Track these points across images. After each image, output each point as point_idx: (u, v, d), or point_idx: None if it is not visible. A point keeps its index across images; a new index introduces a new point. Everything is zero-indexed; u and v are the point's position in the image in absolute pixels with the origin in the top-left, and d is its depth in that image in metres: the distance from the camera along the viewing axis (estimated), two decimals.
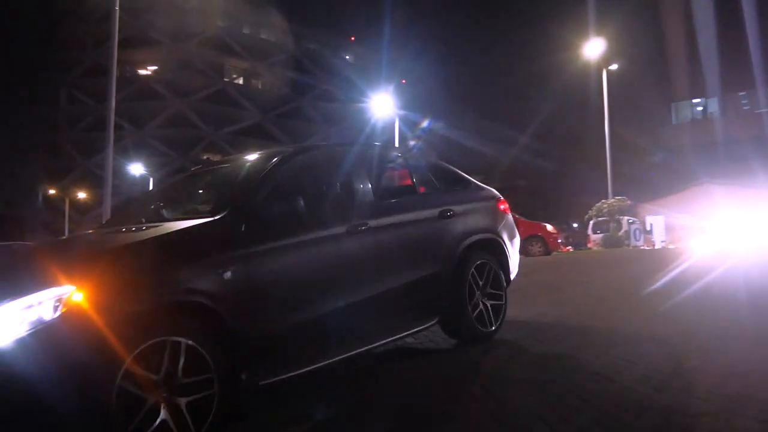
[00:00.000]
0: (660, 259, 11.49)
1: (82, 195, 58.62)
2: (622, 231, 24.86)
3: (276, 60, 68.61)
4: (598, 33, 32.16)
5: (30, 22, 58.01)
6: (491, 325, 5.06)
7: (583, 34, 32.58)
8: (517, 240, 5.83)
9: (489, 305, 5.08)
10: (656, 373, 3.73)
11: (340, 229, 4.10)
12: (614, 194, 28.27)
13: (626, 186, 31.49)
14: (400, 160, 5.39)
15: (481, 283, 5.06)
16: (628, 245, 24.03)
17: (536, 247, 17.09)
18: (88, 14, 56.43)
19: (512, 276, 5.62)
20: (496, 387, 3.72)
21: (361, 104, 48.06)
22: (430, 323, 4.65)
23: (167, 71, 63.78)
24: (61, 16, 59.24)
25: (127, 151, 53.48)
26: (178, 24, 60.29)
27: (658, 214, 29.53)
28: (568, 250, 29.70)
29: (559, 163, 41.85)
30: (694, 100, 59.13)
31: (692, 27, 46.33)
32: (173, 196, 5.15)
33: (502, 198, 5.82)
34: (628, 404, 3.17)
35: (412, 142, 60.27)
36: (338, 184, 4.62)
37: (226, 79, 68.14)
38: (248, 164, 4.37)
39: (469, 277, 4.94)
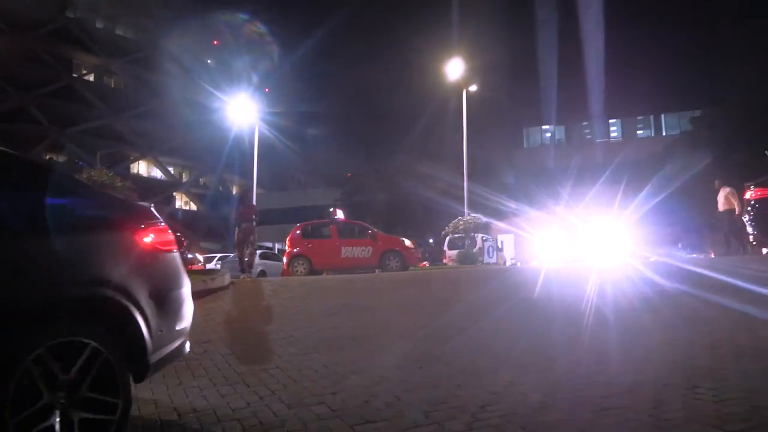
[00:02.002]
0: (501, 278, 11.68)
1: None
2: (477, 248, 25.52)
3: (132, 58, 65.48)
4: (461, 57, 33.12)
5: None
6: None
7: (448, 58, 33.44)
8: (180, 296, 3.74)
9: (84, 419, 2.83)
10: None
11: None
12: (469, 212, 29.04)
13: (480, 204, 32.54)
14: None
15: (63, 378, 2.77)
16: (482, 262, 24.70)
17: (393, 262, 17.03)
18: None
19: (157, 358, 3.37)
20: None
21: (223, 110, 46.65)
22: None
23: (7, 62, 58.87)
24: None
25: None
26: (23, 11, 56.07)
27: (509, 233, 30.81)
28: (425, 265, 30.17)
29: (419, 179, 42.63)
30: (544, 127, 63.02)
31: (543, 59, 49.33)
32: None
33: (153, 219, 3.67)
34: None
35: None
36: None
37: (75, 75, 64.02)
38: None
39: (27, 369, 2.63)
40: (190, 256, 20.77)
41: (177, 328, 3.65)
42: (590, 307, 6.84)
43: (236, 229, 13.65)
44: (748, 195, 10.91)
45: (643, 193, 29.90)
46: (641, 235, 26.38)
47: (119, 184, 10.15)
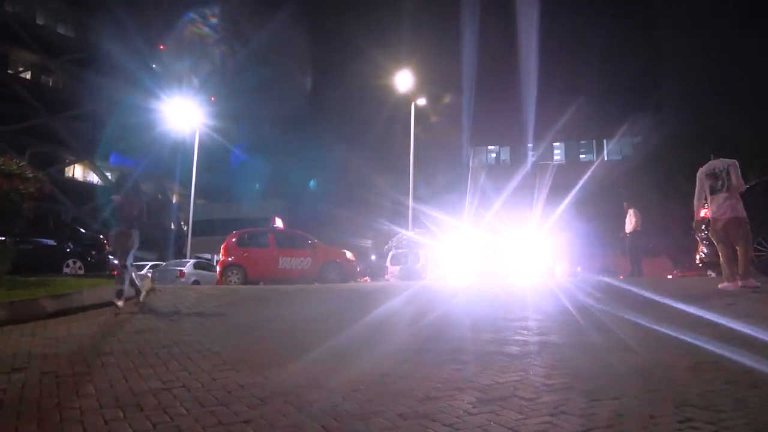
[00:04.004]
0: (443, 293, 11.00)
1: None
2: (419, 264, 24.91)
3: (72, 58, 63.22)
4: (409, 73, 32.74)
5: None
6: None
7: (396, 75, 33.03)
8: None
9: None
10: None
11: None
12: (414, 228, 28.50)
13: (423, 221, 32.05)
14: None
15: None
16: (425, 278, 24.08)
17: (333, 274, 16.25)
18: None
19: None
20: None
21: (166, 117, 45.14)
22: None
23: None
24: None
25: None
26: None
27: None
28: (366, 280, 29.42)
29: (364, 191, 42.03)
30: (490, 147, 63.46)
31: (492, 82, 49.72)
32: None
33: None
34: None
35: None
36: None
37: (10, 72, 61.31)
38: None
39: None
40: (116, 261, 19.43)
41: None
42: (534, 325, 6.25)
43: (112, 233, 8.66)
44: (702, 213, 10.58)
45: (562, 214, 30.14)
46: (554, 254, 26.50)
47: (30, 175, 9.09)
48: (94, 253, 13.45)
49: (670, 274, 30.10)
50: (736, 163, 8.45)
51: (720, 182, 8.38)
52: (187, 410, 3.51)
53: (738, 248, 8.23)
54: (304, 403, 3.54)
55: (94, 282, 8.89)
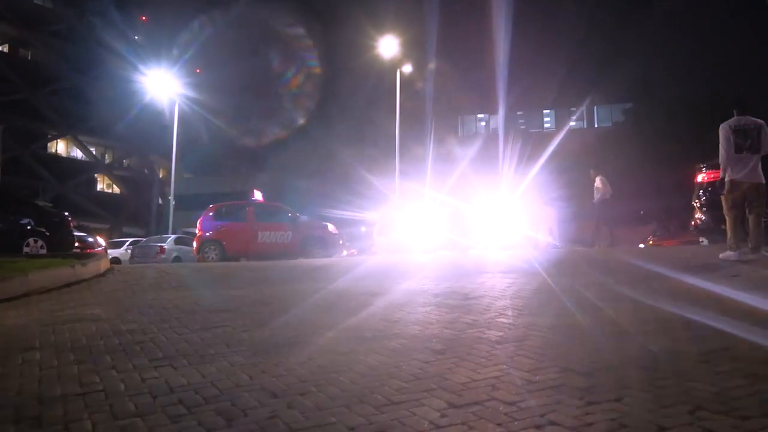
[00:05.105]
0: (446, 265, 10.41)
1: None
2: (406, 235, 24.25)
3: (51, 30, 61.63)
4: (396, 41, 31.93)
5: None
6: None
7: (384, 43, 32.22)
8: None
9: None
10: None
11: None
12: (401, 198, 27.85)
13: (410, 192, 31.41)
14: None
15: None
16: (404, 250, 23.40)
17: (316, 249, 15.63)
18: None
19: None
20: None
21: (150, 89, 44.07)
22: None
23: None
24: None
25: None
26: None
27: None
28: (353, 253, 28.87)
29: (351, 163, 41.30)
30: (479, 115, 62.71)
31: (481, 49, 48.77)
32: None
33: None
34: None
35: None
36: None
37: None
38: None
39: None
40: (90, 239, 18.81)
41: None
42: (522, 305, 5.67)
43: None
44: (699, 178, 9.98)
45: (544, 182, 29.49)
46: (535, 223, 25.82)
47: None
48: (57, 231, 12.74)
49: (642, 243, 29.45)
50: (765, 124, 7.69)
51: (749, 141, 7.59)
52: (93, 425, 2.87)
53: (750, 216, 7.55)
54: (237, 413, 2.91)
55: (45, 263, 8.20)
